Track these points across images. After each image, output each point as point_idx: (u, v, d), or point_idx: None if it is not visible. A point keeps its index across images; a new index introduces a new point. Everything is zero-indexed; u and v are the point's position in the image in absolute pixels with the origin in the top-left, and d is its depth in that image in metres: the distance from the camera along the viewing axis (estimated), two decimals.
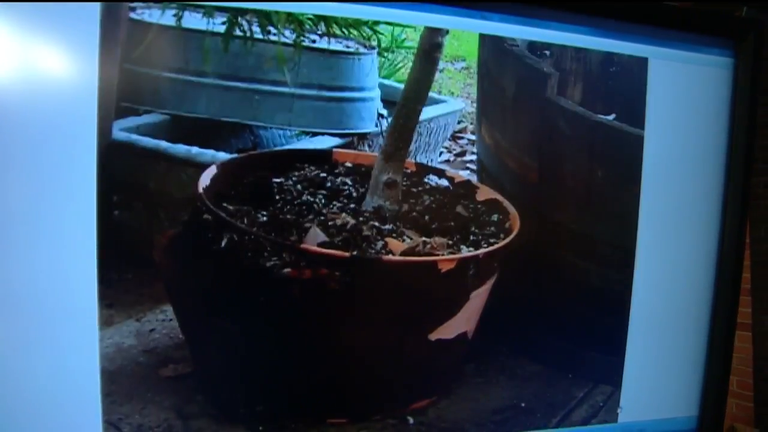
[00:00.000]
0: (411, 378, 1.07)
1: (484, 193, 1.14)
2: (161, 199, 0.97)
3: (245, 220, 0.98)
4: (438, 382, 1.10)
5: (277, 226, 0.98)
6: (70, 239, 0.83)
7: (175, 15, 0.93)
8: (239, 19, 0.95)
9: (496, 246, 1.06)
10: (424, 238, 1.03)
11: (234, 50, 0.98)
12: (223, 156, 1.01)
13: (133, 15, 0.91)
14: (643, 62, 1.11)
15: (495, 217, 1.11)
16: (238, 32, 0.96)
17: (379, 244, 1.00)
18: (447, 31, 1.02)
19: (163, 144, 1.00)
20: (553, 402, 1.13)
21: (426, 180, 1.15)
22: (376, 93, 1.13)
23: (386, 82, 1.14)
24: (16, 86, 0.79)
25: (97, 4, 0.81)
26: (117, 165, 0.93)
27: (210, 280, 0.97)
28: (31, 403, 0.82)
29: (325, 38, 1.03)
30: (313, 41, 1.03)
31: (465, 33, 1.12)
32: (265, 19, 0.95)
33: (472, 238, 1.08)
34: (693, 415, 1.21)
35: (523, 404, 1.12)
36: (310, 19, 0.98)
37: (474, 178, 1.18)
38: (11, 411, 0.82)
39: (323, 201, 1.06)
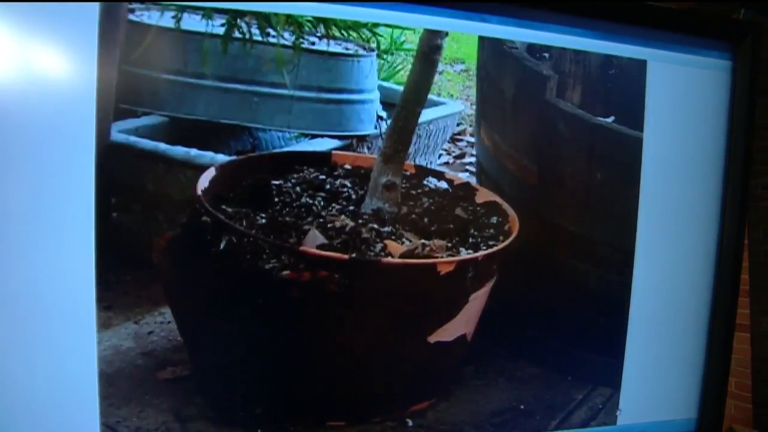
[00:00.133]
0: (410, 380, 1.07)
1: (484, 195, 1.14)
2: (160, 201, 0.97)
3: (244, 223, 0.98)
4: (437, 385, 1.10)
5: (276, 229, 0.98)
6: (69, 241, 0.82)
7: (174, 17, 0.93)
8: (238, 20, 0.95)
9: (495, 248, 1.05)
10: (423, 241, 1.03)
11: (233, 52, 0.98)
12: (221, 158, 1.01)
13: (132, 16, 0.91)
14: (641, 65, 1.11)
15: (494, 220, 1.11)
16: (237, 34, 0.96)
17: (378, 246, 1.00)
18: (446, 34, 1.02)
19: (162, 146, 1.00)
20: (553, 404, 1.13)
21: (425, 182, 1.15)
22: (376, 95, 1.13)
23: (385, 84, 1.14)
24: (15, 87, 0.79)
25: (96, 5, 0.81)
26: (115, 167, 0.92)
27: (209, 283, 0.97)
28: (29, 405, 0.82)
29: (325, 40, 1.03)
30: (313, 43, 1.03)
31: (464, 35, 1.12)
32: (265, 21, 0.95)
33: (471, 240, 1.08)
34: (692, 417, 1.21)
35: (522, 406, 1.11)
36: (309, 21, 0.99)
37: (473, 181, 1.18)
38: (10, 413, 0.81)
39: (322, 203, 1.06)
